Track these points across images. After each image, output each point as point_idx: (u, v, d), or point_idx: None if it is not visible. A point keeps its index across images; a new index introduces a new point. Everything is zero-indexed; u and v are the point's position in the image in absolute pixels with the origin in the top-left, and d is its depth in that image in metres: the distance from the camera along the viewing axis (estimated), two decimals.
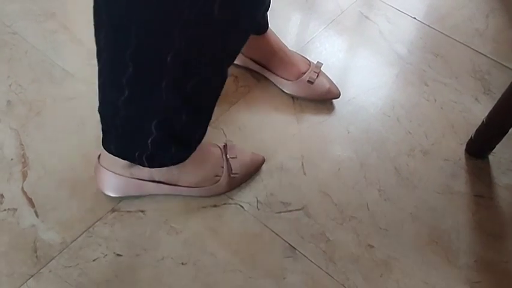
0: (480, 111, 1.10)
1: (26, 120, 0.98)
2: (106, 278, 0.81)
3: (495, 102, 0.96)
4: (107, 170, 0.84)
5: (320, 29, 1.24)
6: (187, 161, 0.85)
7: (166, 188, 0.87)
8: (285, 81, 1.06)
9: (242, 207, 0.91)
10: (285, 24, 1.25)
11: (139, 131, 0.76)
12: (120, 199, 0.88)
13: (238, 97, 1.07)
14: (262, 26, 1.02)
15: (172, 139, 0.78)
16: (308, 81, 1.05)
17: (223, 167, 0.89)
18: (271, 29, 1.05)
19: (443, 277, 0.86)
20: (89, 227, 0.85)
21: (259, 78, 1.10)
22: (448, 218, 0.94)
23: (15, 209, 0.86)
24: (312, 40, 1.21)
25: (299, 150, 1.00)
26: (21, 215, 0.86)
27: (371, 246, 0.89)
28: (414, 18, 1.30)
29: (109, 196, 0.87)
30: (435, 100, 1.12)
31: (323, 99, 1.07)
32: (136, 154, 0.80)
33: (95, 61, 0.68)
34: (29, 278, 0.79)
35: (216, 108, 1.03)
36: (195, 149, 0.83)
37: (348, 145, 1.02)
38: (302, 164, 0.98)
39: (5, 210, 0.86)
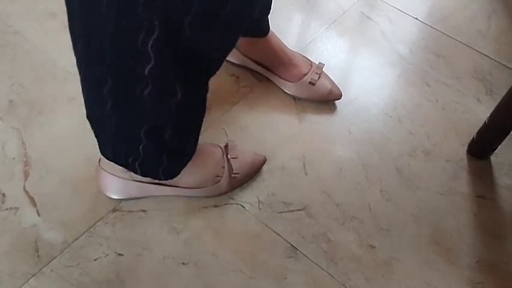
0: (482, 112, 1.10)
1: (28, 119, 0.98)
2: (107, 277, 0.81)
3: (497, 103, 0.96)
4: (108, 172, 0.84)
5: (322, 30, 1.24)
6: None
7: (167, 190, 0.87)
8: (286, 82, 1.06)
9: (243, 207, 0.91)
10: (286, 24, 1.25)
11: (129, 138, 0.76)
12: (121, 199, 0.88)
13: (240, 97, 1.07)
14: (263, 29, 1.02)
15: (163, 148, 0.78)
16: (310, 82, 1.05)
17: (224, 168, 0.89)
18: (273, 29, 1.05)
19: (445, 278, 0.86)
20: (91, 227, 0.85)
21: (261, 78, 1.10)
22: (449, 218, 0.94)
23: (17, 208, 0.86)
24: (314, 40, 1.21)
25: (301, 151, 1.00)
26: (23, 215, 0.86)
27: (373, 247, 0.89)
28: (416, 18, 1.30)
29: None
30: (437, 101, 1.12)
31: (324, 100, 1.07)
32: (130, 160, 0.80)
33: None
34: (31, 277, 0.79)
35: (217, 109, 1.04)
36: (186, 164, 0.84)
37: (350, 145, 1.02)
38: (304, 164, 0.98)
39: (6, 209, 0.86)
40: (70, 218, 0.86)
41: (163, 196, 0.89)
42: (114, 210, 0.88)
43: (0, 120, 0.98)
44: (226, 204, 0.91)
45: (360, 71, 1.17)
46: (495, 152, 1.03)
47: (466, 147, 1.04)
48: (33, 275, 0.79)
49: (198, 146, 0.91)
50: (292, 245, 0.87)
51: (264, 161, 0.95)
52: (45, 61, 1.08)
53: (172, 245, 0.85)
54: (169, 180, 0.86)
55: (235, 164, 0.89)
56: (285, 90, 1.07)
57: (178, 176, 0.86)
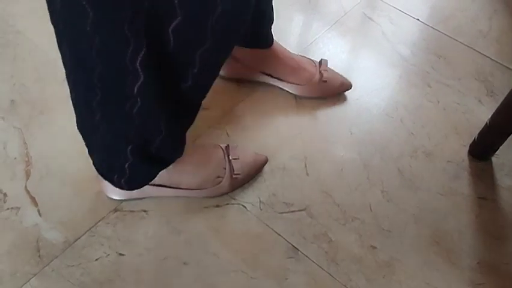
0: (483, 113, 1.10)
1: (30, 119, 0.98)
2: (108, 277, 0.81)
3: (498, 104, 0.96)
4: None
5: (323, 30, 1.24)
6: (188, 163, 0.85)
7: (168, 191, 0.87)
8: (299, 86, 1.07)
9: (244, 207, 0.91)
10: (288, 25, 1.25)
11: (116, 157, 0.77)
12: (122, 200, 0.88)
13: (241, 98, 1.07)
14: (268, 40, 1.02)
15: (149, 161, 0.79)
16: (322, 80, 1.06)
17: (225, 169, 0.89)
18: (274, 30, 1.05)
19: (446, 278, 0.86)
20: (92, 227, 0.85)
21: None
22: (450, 219, 0.94)
23: (19, 208, 0.86)
24: (315, 41, 1.21)
25: (302, 151, 1.00)
26: (25, 214, 0.86)
27: (374, 247, 0.89)
28: (418, 19, 1.30)
29: None
30: (438, 102, 1.12)
31: (337, 93, 1.09)
32: (115, 177, 0.81)
33: None
34: (32, 277, 0.79)
35: (218, 109, 1.04)
36: (170, 164, 0.83)
37: (351, 146, 1.02)
38: (305, 165, 0.98)
39: (8, 209, 0.86)
40: (71, 218, 0.86)
41: (164, 196, 0.89)
42: (115, 210, 0.88)
43: (1, 119, 0.98)
44: (227, 204, 0.91)
45: (361, 71, 1.17)
46: (496, 153, 1.03)
47: (467, 148, 1.04)
48: (35, 275, 0.80)
49: (199, 147, 0.91)
50: (293, 246, 0.87)
51: (265, 161, 0.95)
52: (46, 61, 1.08)
53: (173, 245, 0.85)
54: (170, 183, 0.86)
55: (236, 165, 0.89)
56: (298, 94, 1.07)
57: (179, 178, 0.86)
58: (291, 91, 1.08)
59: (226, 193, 0.91)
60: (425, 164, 1.01)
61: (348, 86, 1.09)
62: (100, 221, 0.86)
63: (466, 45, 1.25)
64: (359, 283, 0.84)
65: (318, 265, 0.85)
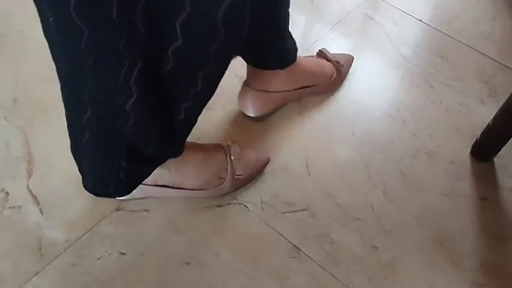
0: (485, 113, 1.09)
1: (32, 118, 0.98)
2: (110, 276, 0.81)
3: (500, 105, 0.96)
4: None
5: (325, 31, 1.24)
6: (190, 164, 0.85)
7: (170, 192, 0.87)
8: (327, 85, 1.08)
9: (246, 207, 0.91)
10: (290, 25, 1.24)
11: (109, 170, 0.77)
12: (124, 199, 0.88)
13: None
14: (294, 55, 0.99)
15: (145, 163, 0.79)
16: (340, 71, 1.09)
17: (227, 169, 0.89)
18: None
19: (448, 279, 0.86)
20: (94, 226, 0.85)
21: None
22: (452, 220, 0.94)
23: (20, 207, 0.87)
24: (318, 42, 1.21)
25: (304, 151, 1.00)
26: (26, 213, 0.86)
27: (376, 248, 0.88)
28: (420, 20, 1.30)
29: None
30: (440, 102, 1.12)
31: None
32: (111, 190, 0.82)
33: None
34: (34, 276, 0.79)
35: (221, 109, 1.04)
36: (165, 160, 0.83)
37: (353, 147, 1.02)
38: (307, 165, 0.98)
39: (10, 207, 0.86)
40: (73, 217, 0.86)
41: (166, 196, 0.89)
42: (117, 209, 0.88)
43: (4, 119, 0.98)
44: (229, 204, 0.91)
45: (363, 72, 1.16)
46: (499, 154, 1.02)
47: (469, 149, 1.04)
48: (36, 274, 0.80)
49: (200, 147, 0.91)
50: (295, 246, 0.87)
51: (267, 161, 0.95)
52: (49, 60, 1.08)
53: (175, 245, 0.85)
54: (172, 183, 0.86)
55: (238, 166, 0.89)
56: (327, 91, 1.09)
57: (181, 179, 0.86)
58: (323, 93, 1.09)
59: (228, 193, 0.91)
60: (428, 164, 1.01)
61: (351, 59, 1.14)
62: (101, 220, 0.86)
63: (469, 46, 1.25)
64: (360, 283, 0.84)
65: (319, 265, 0.85)
